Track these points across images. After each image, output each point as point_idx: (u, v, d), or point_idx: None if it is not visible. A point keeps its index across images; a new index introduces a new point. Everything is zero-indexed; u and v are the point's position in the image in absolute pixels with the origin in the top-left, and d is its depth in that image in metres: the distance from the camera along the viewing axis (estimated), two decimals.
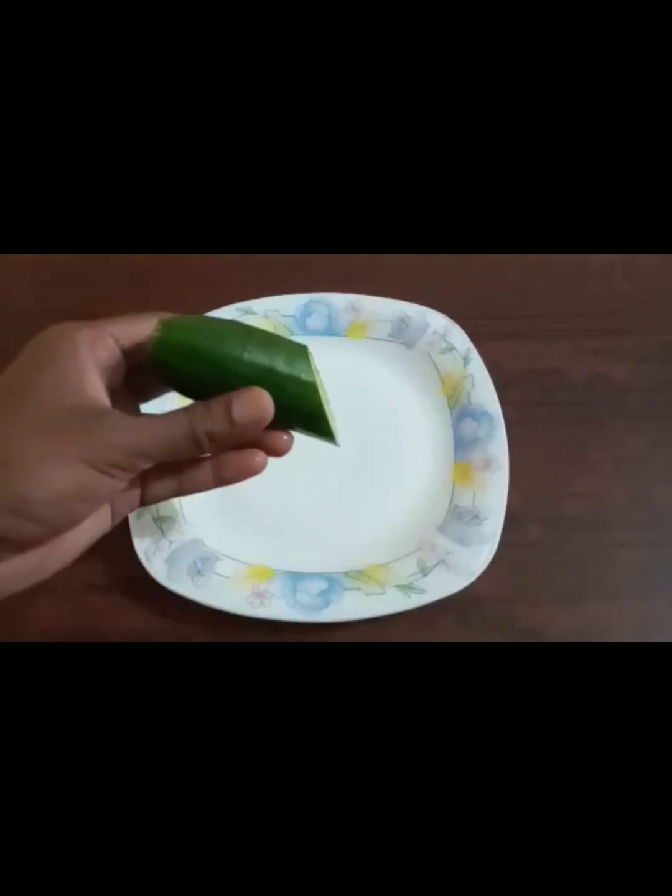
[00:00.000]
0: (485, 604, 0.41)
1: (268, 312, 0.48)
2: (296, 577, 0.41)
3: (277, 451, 0.32)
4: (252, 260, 0.51)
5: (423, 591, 0.39)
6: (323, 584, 0.40)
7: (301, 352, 0.31)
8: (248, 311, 0.48)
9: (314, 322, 0.48)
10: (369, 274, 0.50)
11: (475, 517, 0.41)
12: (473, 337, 0.47)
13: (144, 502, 0.33)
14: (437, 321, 0.47)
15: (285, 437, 0.32)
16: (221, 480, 0.32)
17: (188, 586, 0.40)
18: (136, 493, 0.32)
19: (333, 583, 0.40)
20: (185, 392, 0.32)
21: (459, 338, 0.47)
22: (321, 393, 0.31)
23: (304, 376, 0.30)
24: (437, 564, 0.40)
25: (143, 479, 0.32)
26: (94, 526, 0.31)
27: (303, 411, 0.31)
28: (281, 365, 0.30)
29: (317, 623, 0.39)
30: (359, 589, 0.40)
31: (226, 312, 0.47)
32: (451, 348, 0.47)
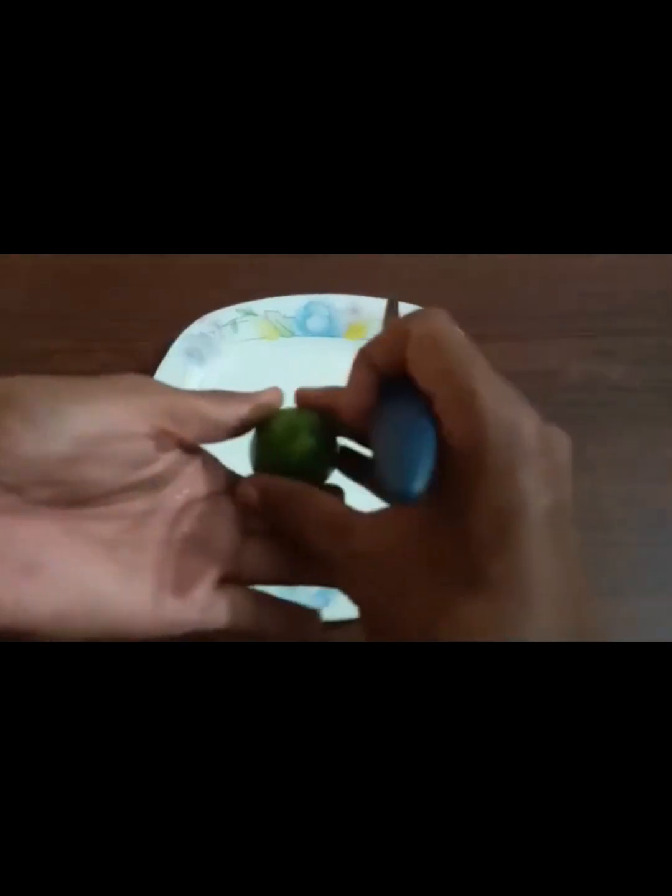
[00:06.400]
0: None
1: (268, 314, 0.48)
2: None
3: None
4: (252, 260, 0.51)
5: None
6: None
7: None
8: (249, 312, 0.48)
9: (315, 323, 0.49)
10: (369, 274, 0.51)
11: None
12: (472, 337, 0.47)
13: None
14: None
15: None
16: None
17: None
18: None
19: None
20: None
21: None
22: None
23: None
24: None
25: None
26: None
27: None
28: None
29: None
30: None
31: (226, 314, 0.47)
32: None
